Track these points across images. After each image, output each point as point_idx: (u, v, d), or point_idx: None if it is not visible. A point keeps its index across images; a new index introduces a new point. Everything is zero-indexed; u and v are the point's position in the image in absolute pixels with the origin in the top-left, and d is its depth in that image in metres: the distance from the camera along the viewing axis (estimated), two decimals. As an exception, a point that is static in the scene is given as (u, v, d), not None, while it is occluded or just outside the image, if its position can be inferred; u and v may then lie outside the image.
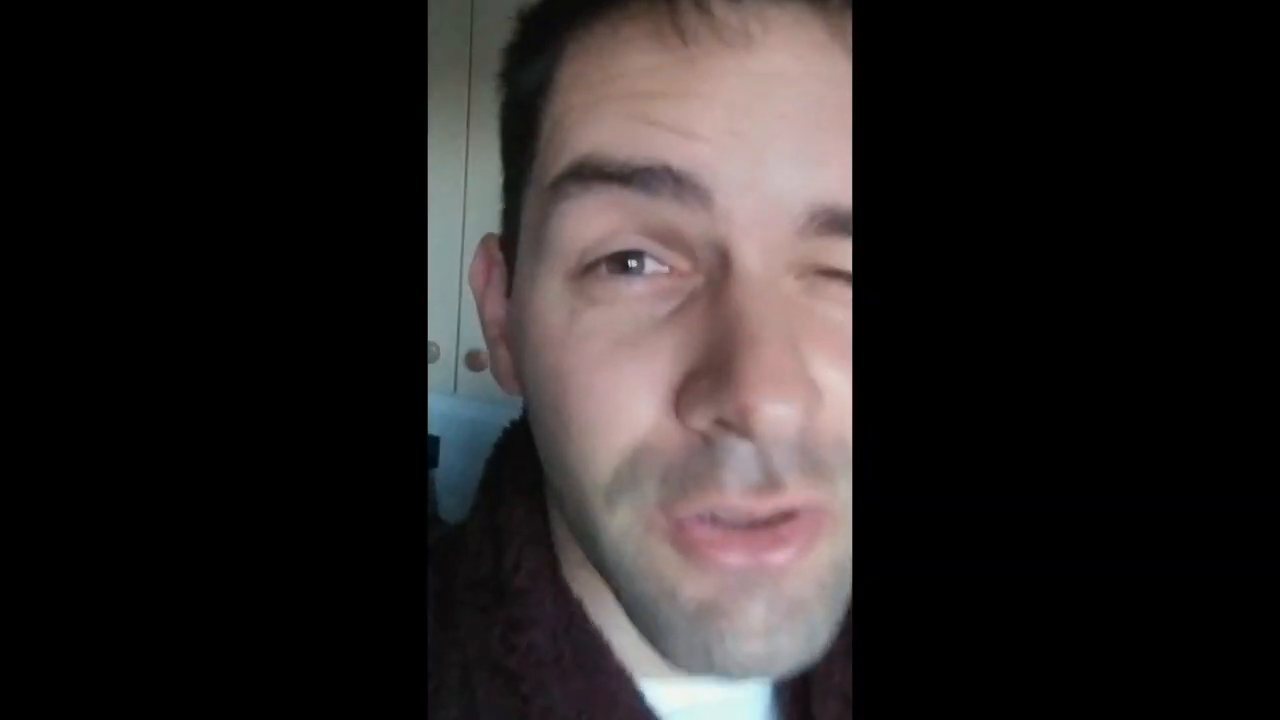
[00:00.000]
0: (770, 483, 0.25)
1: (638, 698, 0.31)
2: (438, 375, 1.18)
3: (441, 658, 0.33)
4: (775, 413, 0.23)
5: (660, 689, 0.31)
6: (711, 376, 0.24)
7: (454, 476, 1.25)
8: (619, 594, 0.28)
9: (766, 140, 0.25)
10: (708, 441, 0.25)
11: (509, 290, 0.32)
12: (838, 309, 0.26)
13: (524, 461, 0.34)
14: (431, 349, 1.18)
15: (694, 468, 0.25)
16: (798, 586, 0.26)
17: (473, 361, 1.17)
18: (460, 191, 1.14)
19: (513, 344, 0.32)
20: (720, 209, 0.25)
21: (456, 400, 1.20)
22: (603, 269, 0.27)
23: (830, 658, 0.28)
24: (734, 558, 0.25)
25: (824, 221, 0.25)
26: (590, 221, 0.27)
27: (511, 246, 0.32)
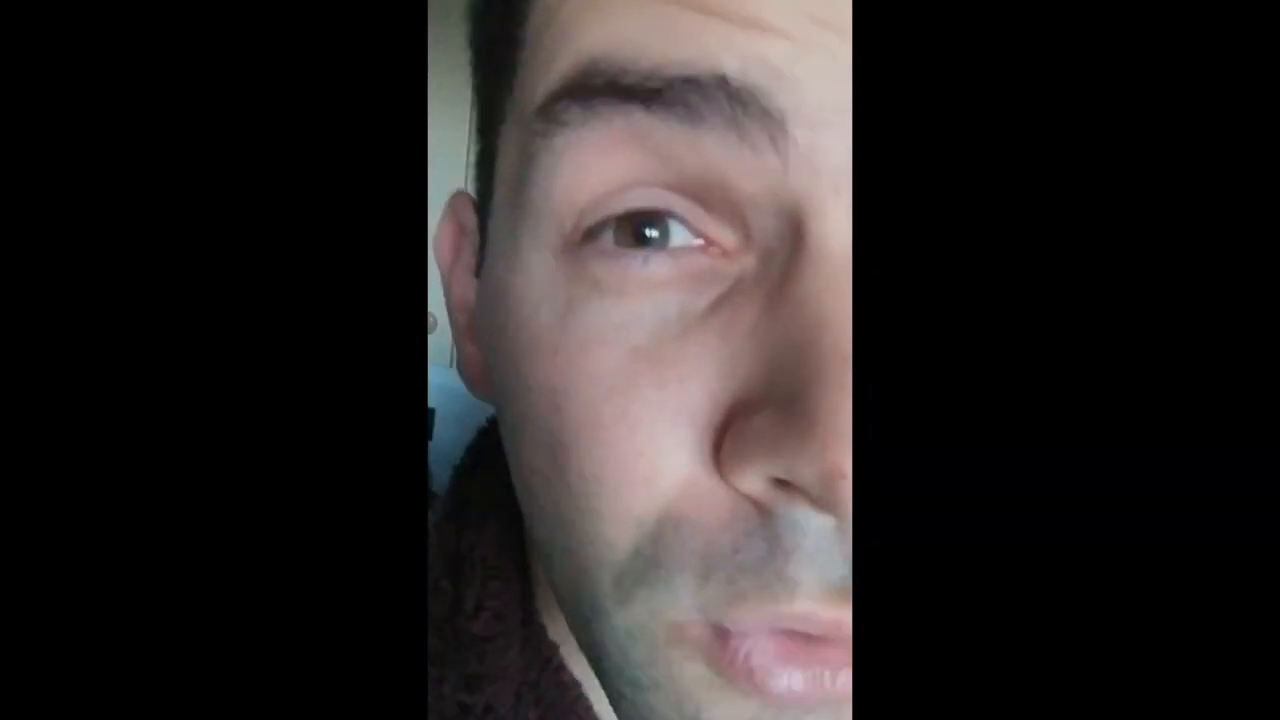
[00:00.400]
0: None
1: None
2: (434, 347, 1.18)
3: None
4: None
5: None
6: (772, 413, 0.17)
7: (449, 450, 1.25)
8: (612, 699, 0.21)
9: None
10: (763, 513, 0.17)
11: (479, 267, 0.24)
12: None
13: (497, 473, 0.26)
14: (429, 320, 1.17)
15: (747, 554, 0.17)
16: None
17: (470, 334, 1.17)
18: (462, 157, 1.13)
19: (484, 340, 0.23)
20: (799, 149, 0.17)
21: (453, 373, 1.20)
22: (607, 238, 0.19)
23: None
24: (792, 682, 0.18)
25: None
26: (594, 164, 0.18)
27: (485, 207, 0.23)
